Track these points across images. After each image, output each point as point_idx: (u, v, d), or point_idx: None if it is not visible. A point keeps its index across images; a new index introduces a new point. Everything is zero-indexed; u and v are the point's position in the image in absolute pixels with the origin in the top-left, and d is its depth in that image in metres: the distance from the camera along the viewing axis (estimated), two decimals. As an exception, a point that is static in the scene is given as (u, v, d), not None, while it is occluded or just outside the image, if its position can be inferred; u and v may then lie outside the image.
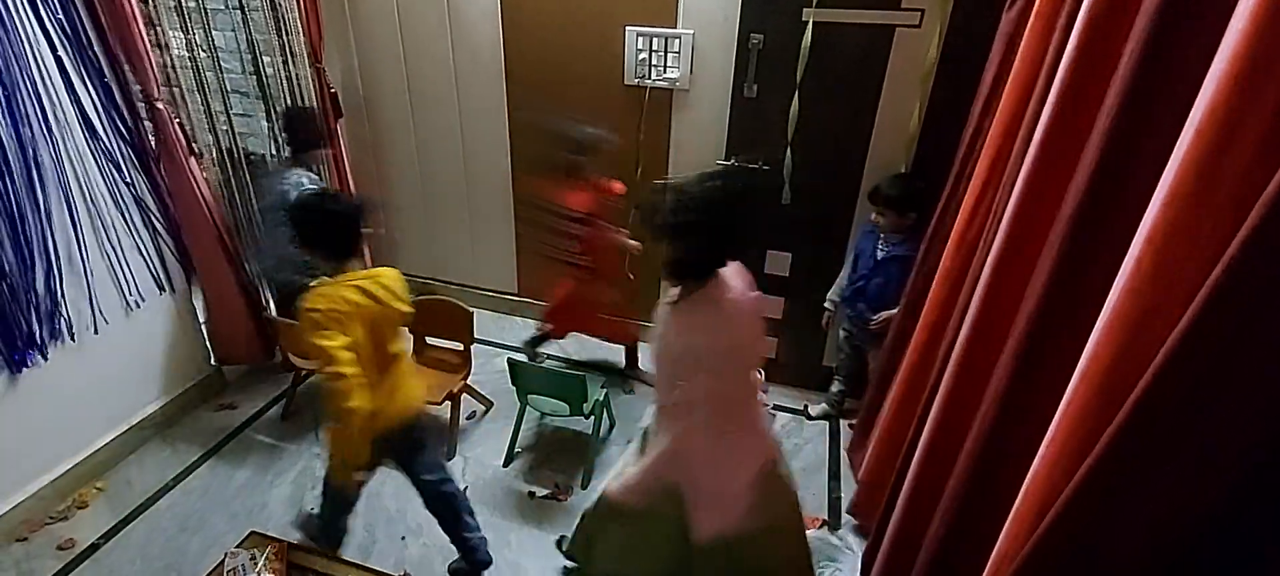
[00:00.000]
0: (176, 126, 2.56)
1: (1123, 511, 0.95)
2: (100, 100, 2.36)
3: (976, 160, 1.81)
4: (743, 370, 1.60)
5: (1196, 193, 0.86)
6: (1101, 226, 1.09)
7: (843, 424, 2.98)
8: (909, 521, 1.77)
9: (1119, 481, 0.93)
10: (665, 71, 2.88)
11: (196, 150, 2.70)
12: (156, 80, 2.47)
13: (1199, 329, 0.79)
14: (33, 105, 2.16)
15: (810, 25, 2.47)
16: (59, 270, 2.31)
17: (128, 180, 2.50)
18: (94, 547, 2.34)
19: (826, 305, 2.83)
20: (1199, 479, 0.88)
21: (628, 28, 2.83)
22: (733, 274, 1.53)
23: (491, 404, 3.03)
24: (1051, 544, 1.03)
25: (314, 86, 3.17)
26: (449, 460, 2.74)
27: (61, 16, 2.21)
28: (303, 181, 2.69)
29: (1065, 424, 1.09)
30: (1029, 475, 1.18)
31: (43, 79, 2.18)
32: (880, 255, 2.55)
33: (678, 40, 2.79)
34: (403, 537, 2.40)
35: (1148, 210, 0.95)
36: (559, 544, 2.31)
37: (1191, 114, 0.89)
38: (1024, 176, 1.34)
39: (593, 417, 2.65)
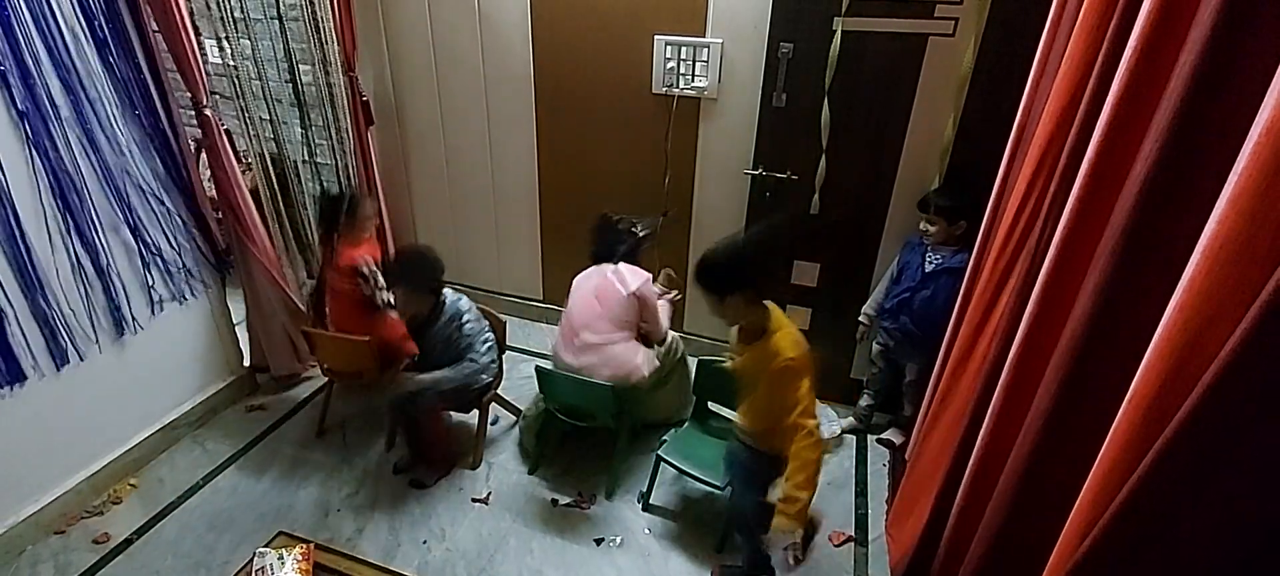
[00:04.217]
0: (222, 131, 2.62)
1: (1176, 523, 0.92)
2: (139, 102, 2.43)
3: (1020, 169, 1.77)
4: None
5: (1255, 208, 0.82)
6: (1155, 240, 1.04)
7: (870, 438, 2.92)
8: (954, 536, 1.72)
9: (1173, 491, 0.89)
10: (693, 80, 2.87)
11: (240, 155, 2.76)
12: (205, 87, 2.54)
13: (1257, 340, 0.76)
14: (88, 106, 2.25)
15: (839, 34, 2.45)
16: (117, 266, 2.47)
17: (165, 184, 2.57)
18: (128, 542, 2.39)
19: (862, 319, 2.78)
20: (1255, 492, 0.84)
21: (656, 37, 2.84)
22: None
23: (521, 413, 3.01)
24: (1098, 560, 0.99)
25: (346, 95, 3.23)
26: (475, 468, 2.74)
27: (107, 25, 2.29)
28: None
29: (1113, 448, 1.04)
30: (1077, 504, 1.13)
31: (89, 79, 2.26)
32: (928, 267, 2.49)
33: (706, 49, 2.79)
34: (425, 542, 2.40)
35: (1207, 224, 0.91)
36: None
37: (1253, 125, 0.85)
38: (1078, 185, 1.28)
39: (617, 426, 2.63)
